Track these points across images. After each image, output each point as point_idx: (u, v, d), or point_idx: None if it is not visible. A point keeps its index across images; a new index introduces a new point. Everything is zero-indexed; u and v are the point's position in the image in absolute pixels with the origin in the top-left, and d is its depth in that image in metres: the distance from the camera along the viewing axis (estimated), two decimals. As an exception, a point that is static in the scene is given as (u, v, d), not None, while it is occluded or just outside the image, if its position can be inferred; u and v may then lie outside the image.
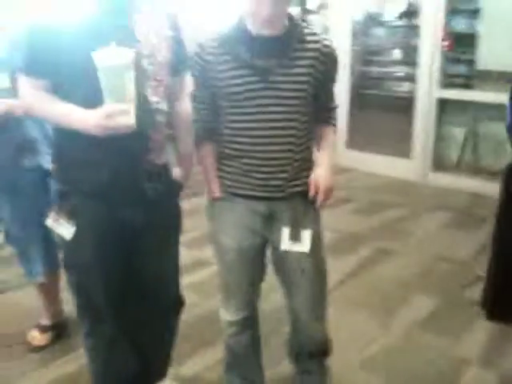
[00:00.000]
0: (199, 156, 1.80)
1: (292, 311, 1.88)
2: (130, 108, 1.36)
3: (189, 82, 1.74)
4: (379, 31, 7.35)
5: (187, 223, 3.71)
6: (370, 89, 7.40)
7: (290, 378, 2.04)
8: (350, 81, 5.13)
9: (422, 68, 4.52)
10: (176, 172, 1.73)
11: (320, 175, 1.70)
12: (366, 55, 7.77)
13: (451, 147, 4.64)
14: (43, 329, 2.33)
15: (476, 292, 2.62)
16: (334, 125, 1.83)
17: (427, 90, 4.49)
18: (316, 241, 1.74)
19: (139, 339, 1.88)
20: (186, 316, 2.53)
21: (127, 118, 1.36)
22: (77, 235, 1.58)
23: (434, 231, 3.73)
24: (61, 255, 1.77)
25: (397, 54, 6.66)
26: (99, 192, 1.54)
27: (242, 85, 1.62)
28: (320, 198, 1.69)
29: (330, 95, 1.80)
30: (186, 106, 1.77)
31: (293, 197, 1.71)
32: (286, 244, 1.71)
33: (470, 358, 2.32)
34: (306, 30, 1.67)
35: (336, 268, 3.10)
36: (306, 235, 1.71)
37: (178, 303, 1.90)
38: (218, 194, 1.76)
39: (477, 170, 4.46)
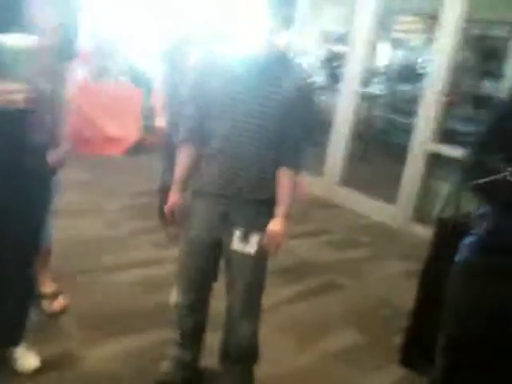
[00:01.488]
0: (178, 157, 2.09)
1: (227, 308, 2.12)
2: (23, 88, 1.57)
3: (74, 69, 2.00)
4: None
5: (159, 225, 3.79)
6: (389, 136, 7.61)
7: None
8: (353, 124, 5.27)
9: (420, 119, 4.65)
10: (50, 154, 1.96)
11: (275, 230, 1.94)
12: (397, 102, 7.95)
13: (435, 201, 4.73)
14: None
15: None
16: (298, 169, 1.99)
17: (421, 141, 4.61)
18: (261, 248, 1.97)
19: None
20: (122, 305, 2.77)
21: (18, 96, 1.57)
22: None
23: (391, 277, 3.83)
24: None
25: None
26: None
27: (222, 96, 1.88)
28: (270, 249, 1.96)
29: (301, 132, 1.96)
30: (67, 92, 2.00)
31: (247, 203, 1.95)
32: (236, 244, 1.97)
33: (366, 395, 2.44)
34: (289, 61, 1.92)
35: (280, 292, 3.26)
36: (254, 239, 1.96)
37: (22, 278, 2.10)
38: (174, 200, 2.08)
39: (454, 228, 4.52)
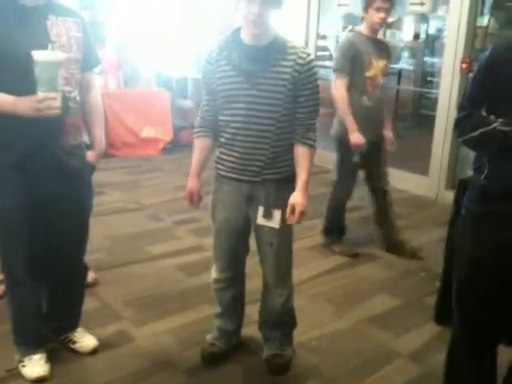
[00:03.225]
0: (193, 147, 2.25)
1: (263, 280, 2.30)
2: (58, 97, 1.79)
3: (97, 77, 2.18)
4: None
5: (199, 215, 4.09)
6: (418, 109, 7.59)
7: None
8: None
9: (443, 88, 4.67)
10: (89, 154, 2.15)
11: (297, 201, 2.06)
12: (425, 75, 7.93)
13: (467, 168, 4.74)
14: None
15: (438, 299, 2.83)
16: (312, 145, 2.11)
17: (446, 110, 4.64)
18: (284, 221, 2.10)
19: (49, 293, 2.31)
20: (167, 288, 2.98)
21: (55, 104, 1.79)
22: (1, 203, 1.96)
23: (427, 244, 3.86)
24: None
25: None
26: (19, 166, 1.94)
27: (230, 84, 2.04)
28: (294, 219, 2.07)
29: (307, 109, 2.07)
30: (96, 97, 2.17)
31: (268, 182, 2.10)
32: (260, 219, 2.12)
33: (403, 352, 2.55)
34: (288, 44, 2.03)
35: (317, 265, 3.40)
36: (277, 214, 2.10)
37: (78, 268, 2.35)
38: (191, 185, 2.22)
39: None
